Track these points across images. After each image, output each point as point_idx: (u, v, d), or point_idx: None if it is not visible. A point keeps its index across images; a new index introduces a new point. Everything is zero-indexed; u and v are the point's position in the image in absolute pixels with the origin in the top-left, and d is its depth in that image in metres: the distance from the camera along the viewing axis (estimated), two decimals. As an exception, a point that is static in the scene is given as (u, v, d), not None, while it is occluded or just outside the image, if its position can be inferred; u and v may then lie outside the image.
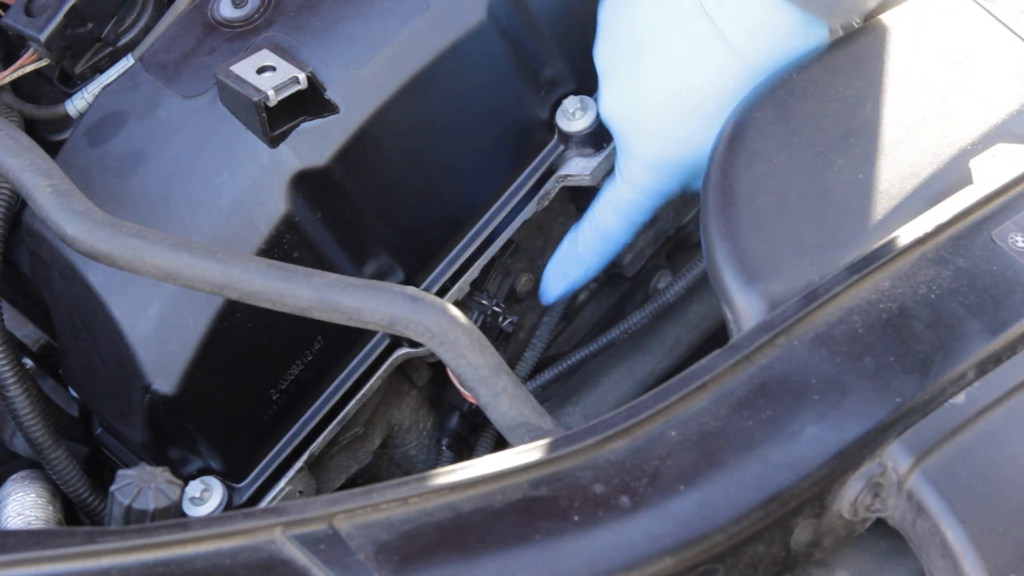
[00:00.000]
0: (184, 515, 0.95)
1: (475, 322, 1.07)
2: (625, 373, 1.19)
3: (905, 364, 0.76)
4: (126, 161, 0.95)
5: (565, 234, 1.19)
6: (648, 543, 0.68)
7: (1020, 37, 0.97)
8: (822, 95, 0.90)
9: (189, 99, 0.96)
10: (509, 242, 1.08)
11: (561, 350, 1.20)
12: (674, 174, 1.01)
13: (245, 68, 0.90)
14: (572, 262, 1.10)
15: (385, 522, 0.67)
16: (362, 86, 0.95)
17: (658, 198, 1.04)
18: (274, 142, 0.93)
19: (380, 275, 1.01)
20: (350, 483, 1.14)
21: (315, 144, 0.94)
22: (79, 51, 1.02)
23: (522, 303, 1.16)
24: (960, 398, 0.76)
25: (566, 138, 1.05)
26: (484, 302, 1.10)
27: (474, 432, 1.21)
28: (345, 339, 1.02)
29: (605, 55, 1.02)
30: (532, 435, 0.77)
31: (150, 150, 0.95)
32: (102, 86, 1.01)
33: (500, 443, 1.20)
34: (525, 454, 0.71)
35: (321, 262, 0.97)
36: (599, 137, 1.05)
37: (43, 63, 1.02)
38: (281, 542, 0.66)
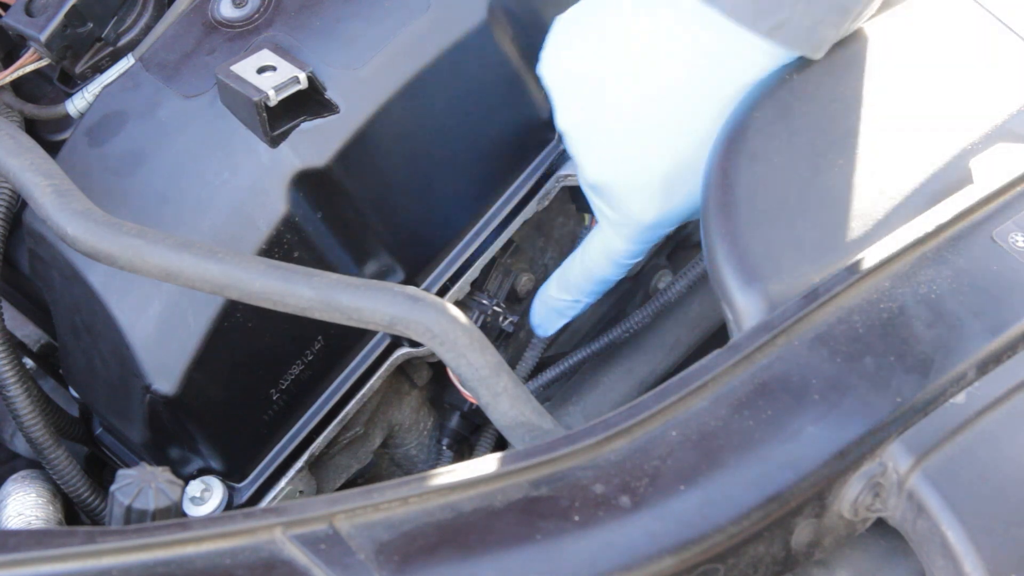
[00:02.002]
0: (184, 515, 0.95)
1: (475, 322, 1.07)
2: (625, 373, 1.19)
3: (905, 364, 0.76)
4: (126, 161, 0.95)
5: (564, 234, 1.19)
6: (648, 543, 0.68)
7: (1020, 37, 0.97)
8: (822, 95, 0.90)
9: (189, 99, 0.96)
10: (509, 242, 1.08)
11: (561, 350, 1.20)
12: (679, 221, 1.00)
13: (245, 68, 0.90)
14: (565, 303, 1.09)
15: (385, 522, 0.67)
16: (362, 86, 0.95)
17: (657, 241, 1.03)
18: (274, 142, 0.93)
19: (380, 275, 1.01)
20: (350, 483, 1.14)
21: (315, 144, 0.94)
22: (79, 51, 1.01)
23: (522, 303, 1.16)
24: (960, 398, 0.76)
25: (566, 138, 1.05)
26: (484, 302, 1.10)
27: (474, 432, 1.21)
28: (345, 339, 1.02)
29: (579, 122, 0.98)
30: (532, 435, 0.77)
31: (150, 150, 0.95)
32: (102, 86, 1.01)
33: (500, 443, 1.20)
34: (525, 454, 0.71)
35: (321, 262, 0.97)
36: (599, 137, 1.05)
37: (43, 63, 1.02)
38: (281, 542, 0.66)
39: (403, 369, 1.12)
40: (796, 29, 0.88)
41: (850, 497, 0.74)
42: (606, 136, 0.97)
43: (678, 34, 0.91)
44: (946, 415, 0.76)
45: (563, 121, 0.99)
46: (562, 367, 1.14)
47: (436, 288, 1.04)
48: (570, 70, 0.97)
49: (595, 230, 1.04)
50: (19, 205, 0.99)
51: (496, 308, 1.10)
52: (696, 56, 0.91)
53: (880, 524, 0.77)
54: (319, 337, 1.00)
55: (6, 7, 1.03)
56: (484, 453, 1.19)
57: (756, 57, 0.90)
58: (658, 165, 0.96)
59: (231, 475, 1.00)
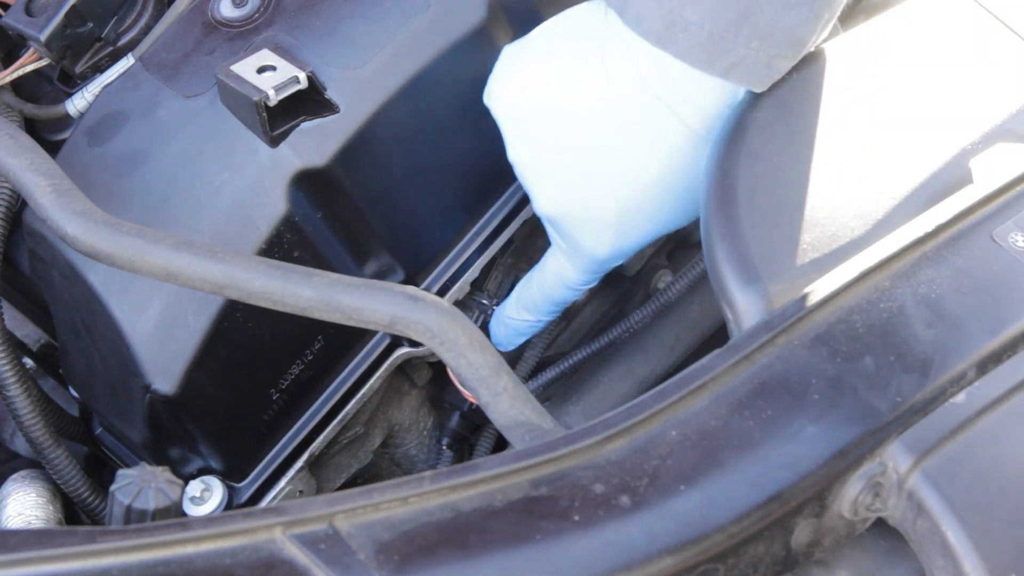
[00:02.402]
0: (184, 515, 0.95)
1: (475, 322, 1.07)
2: (625, 373, 1.19)
3: (905, 364, 0.76)
4: (126, 161, 0.95)
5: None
6: (648, 543, 0.68)
7: (1020, 37, 0.97)
8: (822, 95, 0.90)
9: (189, 99, 0.96)
10: (509, 241, 1.08)
11: (561, 350, 1.21)
12: (633, 251, 1.00)
13: (245, 68, 0.90)
14: (527, 324, 1.09)
15: (385, 522, 0.67)
16: (362, 86, 0.95)
17: (612, 268, 1.03)
18: (274, 142, 0.93)
19: (380, 275, 1.01)
20: (350, 483, 1.14)
21: (315, 144, 0.94)
22: (79, 51, 1.02)
23: (522, 303, 1.16)
24: (960, 398, 0.76)
25: (566, 138, 1.05)
26: (484, 302, 1.10)
27: (474, 432, 1.21)
28: (345, 339, 1.02)
29: (530, 154, 0.97)
30: (532, 435, 0.77)
31: (150, 150, 0.95)
32: (102, 86, 1.01)
33: (500, 443, 1.20)
34: (525, 454, 0.71)
35: (321, 262, 0.97)
36: (599, 137, 1.05)
37: (43, 63, 1.02)
38: (281, 542, 0.66)
39: (403, 369, 1.12)
40: (753, 66, 0.87)
41: (850, 497, 0.74)
42: (557, 172, 0.96)
43: (627, 75, 0.91)
44: (946, 415, 0.76)
45: (513, 153, 0.98)
46: (562, 367, 1.15)
47: (436, 288, 1.04)
48: (519, 103, 0.96)
49: (550, 253, 1.04)
50: (19, 205, 0.99)
51: (496, 308, 1.10)
52: (646, 97, 0.91)
53: (880, 524, 0.77)
54: (319, 337, 1.00)
55: (6, 7, 1.03)
56: (484, 453, 1.19)
57: (707, 96, 0.90)
58: (611, 204, 0.95)
59: (231, 475, 1.00)
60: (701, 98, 0.90)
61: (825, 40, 0.92)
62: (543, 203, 0.98)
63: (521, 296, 1.07)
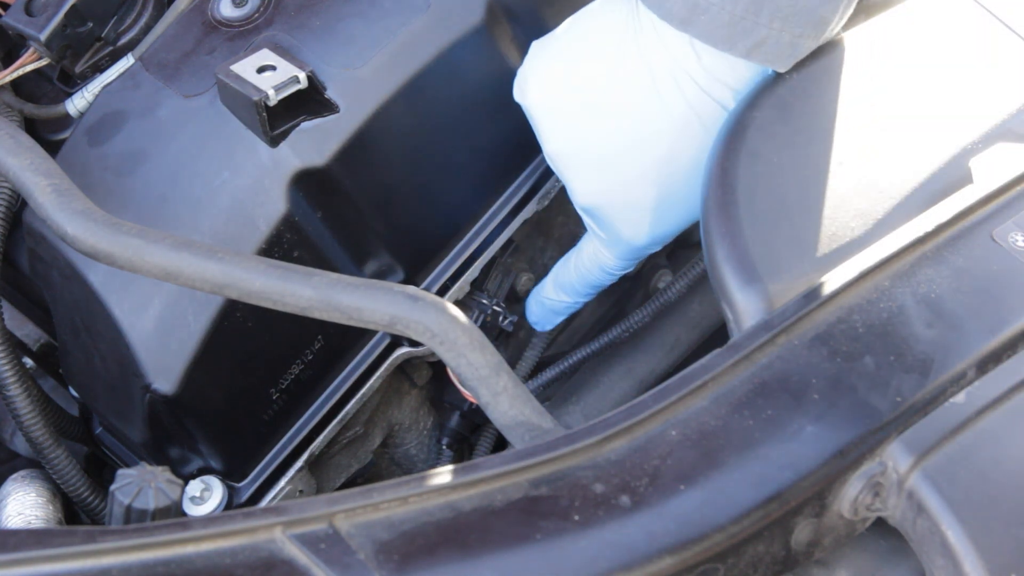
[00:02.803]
0: (184, 514, 0.95)
1: (475, 321, 1.07)
2: (625, 373, 1.19)
3: (905, 363, 0.76)
4: (126, 161, 0.95)
5: (564, 234, 1.19)
6: (648, 542, 0.68)
7: (1020, 37, 0.97)
8: (822, 95, 0.90)
9: (189, 99, 0.96)
10: (509, 241, 1.08)
11: (561, 350, 1.21)
12: (670, 238, 1.02)
13: (245, 67, 0.90)
14: (564, 304, 1.11)
15: (385, 521, 0.67)
16: (362, 86, 0.95)
17: (648, 255, 1.05)
18: (274, 141, 0.93)
19: (380, 274, 1.01)
20: (350, 482, 1.14)
21: (315, 143, 0.94)
22: (79, 50, 1.02)
23: (522, 302, 1.16)
24: (960, 397, 0.76)
25: (566, 137, 1.05)
26: (484, 301, 1.10)
27: (474, 431, 1.21)
28: (345, 338, 1.02)
29: (567, 147, 0.98)
30: (532, 434, 0.77)
31: (150, 150, 0.95)
32: (102, 85, 1.01)
33: (500, 443, 1.20)
34: (525, 454, 0.71)
35: (321, 261, 0.97)
36: (599, 137, 1.05)
37: (43, 62, 1.02)
38: (281, 541, 0.66)
39: (403, 368, 1.12)
40: (776, 47, 0.88)
41: (850, 496, 0.74)
42: (595, 164, 0.97)
43: (661, 62, 0.91)
44: (946, 415, 0.76)
45: (549, 147, 0.99)
46: (562, 367, 1.15)
47: (436, 288, 1.04)
48: (553, 96, 0.97)
49: (587, 238, 1.05)
50: (19, 205, 0.99)
51: (496, 308, 1.10)
52: (681, 82, 0.91)
53: (880, 524, 0.77)
54: (319, 337, 1.00)
55: (6, 7, 1.03)
56: (484, 453, 1.19)
57: (741, 78, 0.90)
58: (649, 191, 0.96)
59: (231, 475, 1.00)
60: (736, 81, 0.91)
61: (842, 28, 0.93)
62: (582, 194, 0.99)
63: (558, 278, 1.09)
